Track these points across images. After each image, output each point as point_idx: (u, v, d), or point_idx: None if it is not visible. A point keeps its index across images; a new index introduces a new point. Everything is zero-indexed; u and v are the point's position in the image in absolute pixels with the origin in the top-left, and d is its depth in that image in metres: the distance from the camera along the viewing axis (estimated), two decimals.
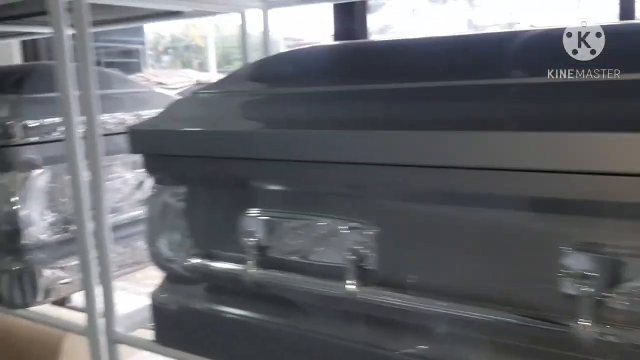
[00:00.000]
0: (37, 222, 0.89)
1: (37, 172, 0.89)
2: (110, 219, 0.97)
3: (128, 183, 1.03)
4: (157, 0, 0.99)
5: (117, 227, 0.98)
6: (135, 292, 1.15)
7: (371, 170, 0.53)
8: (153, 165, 0.73)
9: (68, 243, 0.94)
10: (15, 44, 1.78)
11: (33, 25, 1.21)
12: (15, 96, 0.92)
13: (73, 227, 0.93)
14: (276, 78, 0.71)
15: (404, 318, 0.54)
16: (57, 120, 0.90)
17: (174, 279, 0.73)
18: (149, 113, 1.03)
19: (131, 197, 1.04)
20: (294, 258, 0.61)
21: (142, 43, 5.45)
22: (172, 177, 0.71)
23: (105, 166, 0.98)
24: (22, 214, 0.87)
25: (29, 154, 0.88)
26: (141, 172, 1.04)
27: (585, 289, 0.44)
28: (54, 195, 0.91)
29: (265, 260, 0.63)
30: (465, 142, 0.47)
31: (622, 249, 0.43)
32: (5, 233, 0.88)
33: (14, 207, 0.87)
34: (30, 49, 1.79)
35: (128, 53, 5.34)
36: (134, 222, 1.02)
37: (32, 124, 0.87)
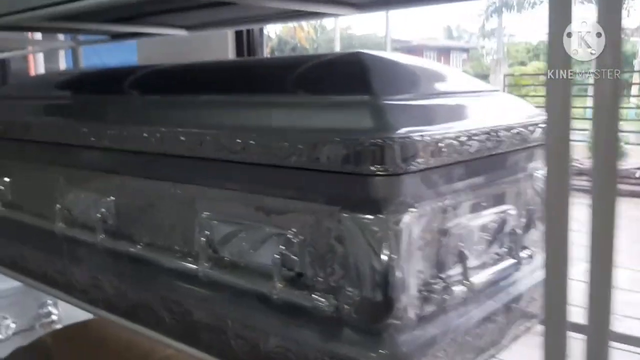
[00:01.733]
0: (409, 288, 0.59)
1: (412, 212, 0.59)
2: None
3: (495, 221, 0.72)
4: None
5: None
6: None
7: None
8: None
9: (437, 321, 0.64)
10: (229, 34, 1.55)
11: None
12: (367, 97, 0.63)
13: (447, 297, 0.63)
14: None
15: None
16: (449, 133, 0.60)
17: None
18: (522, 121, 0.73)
19: (494, 244, 0.72)
20: None
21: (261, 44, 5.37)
22: None
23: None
24: (397, 275, 0.57)
25: (407, 185, 0.58)
26: (507, 209, 0.74)
27: None
28: (422, 249, 0.61)
29: None
30: None
31: None
32: (367, 303, 0.58)
33: (384, 264, 0.57)
34: (245, 40, 1.55)
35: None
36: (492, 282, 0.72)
37: (422, 140, 0.57)
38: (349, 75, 0.69)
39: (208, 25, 1.29)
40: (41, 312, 1.75)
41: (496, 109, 0.77)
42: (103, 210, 0.88)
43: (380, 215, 0.58)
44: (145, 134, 0.78)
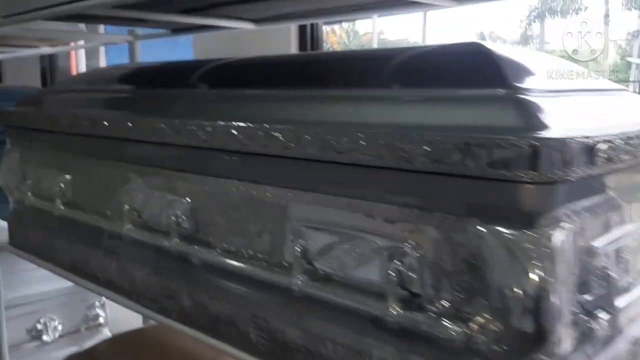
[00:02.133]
0: (564, 316, 0.50)
1: (566, 227, 0.50)
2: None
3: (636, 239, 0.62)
4: None
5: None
6: None
7: None
8: None
9: (583, 355, 0.54)
10: (292, 28, 1.47)
11: None
12: (504, 91, 0.55)
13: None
14: None
15: None
16: (606, 135, 0.51)
17: None
18: None
19: (633, 265, 0.63)
20: None
21: None
22: None
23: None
24: (552, 301, 0.48)
25: (563, 195, 0.50)
26: None
27: None
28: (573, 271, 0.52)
29: None
30: None
31: None
32: (512, 333, 0.49)
33: (536, 288, 0.48)
34: (307, 34, 1.47)
35: None
36: None
37: (582, 142, 0.48)
38: (477, 67, 0.60)
39: (277, 18, 1.21)
40: (89, 314, 1.70)
41: (635, 110, 0.67)
42: (178, 212, 0.81)
43: (532, 230, 0.49)
44: (233, 131, 0.70)
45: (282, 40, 1.47)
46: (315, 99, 0.70)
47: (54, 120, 1.03)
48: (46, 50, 1.87)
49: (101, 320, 1.72)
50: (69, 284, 1.52)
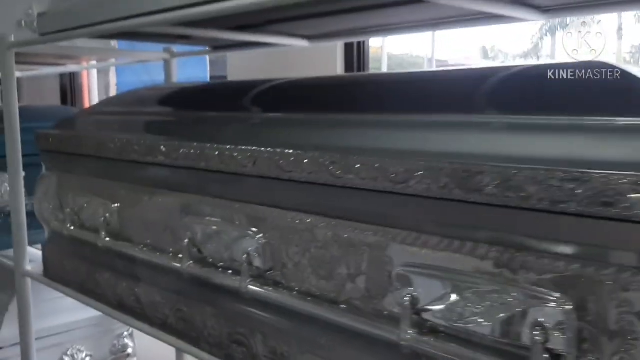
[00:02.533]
0: None
1: None
2: None
3: None
4: None
5: None
6: None
7: None
8: None
9: None
10: (338, 46, 1.40)
11: None
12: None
13: None
14: None
15: None
16: None
17: None
18: None
19: None
20: None
21: None
22: None
23: None
24: None
25: None
26: None
27: None
28: None
29: None
30: None
31: None
32: None
33: None
34: (353, 54, 1.40)
35: None
36: None
37: None
38: (623, 91, 0.52)
39: (332, 35, 1.14)
40: (117, 344, 1.61)
41: None
42: (250, 249, 0.73)
43: None
44: (324, 161, 0.62)
45: (328, 57, 1.40)
46: (419, 125, 0.62)
47: (101, 145, 0.95)
48: (73, 67, 1.80)
49: (130, 350, 1.63)
50: (96, 313, 1.44)
